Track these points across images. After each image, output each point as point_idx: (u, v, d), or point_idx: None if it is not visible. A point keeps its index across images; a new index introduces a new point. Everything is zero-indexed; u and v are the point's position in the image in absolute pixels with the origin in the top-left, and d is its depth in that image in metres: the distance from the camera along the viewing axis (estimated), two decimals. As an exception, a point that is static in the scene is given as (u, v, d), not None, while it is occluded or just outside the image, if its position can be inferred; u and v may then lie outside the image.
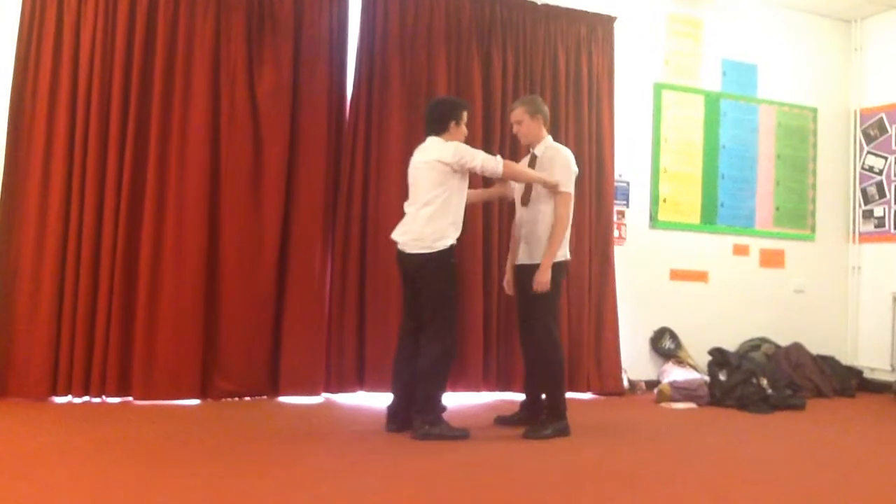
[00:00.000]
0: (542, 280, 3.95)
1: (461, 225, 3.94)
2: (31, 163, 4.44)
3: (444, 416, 3.87)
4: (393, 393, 4.00)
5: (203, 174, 4.68)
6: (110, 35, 4.58)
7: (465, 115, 4.04)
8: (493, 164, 3.91)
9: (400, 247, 3.93)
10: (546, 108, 4.26)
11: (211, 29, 4.75)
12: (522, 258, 4.15)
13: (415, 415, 3.79)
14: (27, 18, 4.49)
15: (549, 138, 4.23)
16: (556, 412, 4.01)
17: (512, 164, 4.08)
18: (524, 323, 4.17)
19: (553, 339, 4.03)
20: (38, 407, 4.22)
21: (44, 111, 4.45)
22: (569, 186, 4.06)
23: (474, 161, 3.87)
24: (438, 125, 3.96)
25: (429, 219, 3.82)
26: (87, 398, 4.44)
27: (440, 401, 3.85)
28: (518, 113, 4.20)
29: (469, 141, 5.11)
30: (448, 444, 3.67)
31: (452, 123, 3.97)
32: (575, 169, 4.12)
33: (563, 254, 4.08)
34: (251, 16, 4.85)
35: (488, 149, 5.26)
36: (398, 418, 3.92)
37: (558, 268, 4.04)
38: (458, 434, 3.80)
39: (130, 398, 4.49)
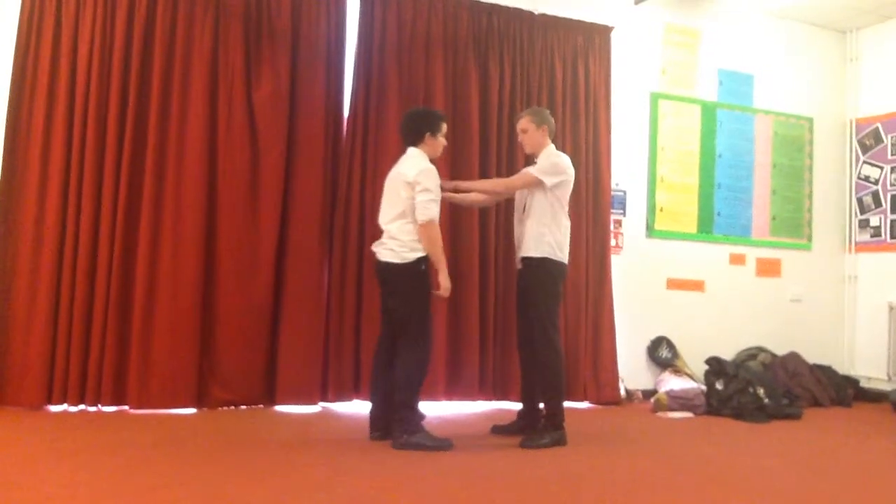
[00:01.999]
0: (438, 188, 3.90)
1: None
2: (27, 171, 4.43)
3: (429, 426, 3.84)
4: (371, 401, 4.00)
5: (200, 181, 4.68)
6: (108, 42, 4.59)
7: (442, 126, 4.02)
8: (424, 209, 3.76)
9: (377, 255, 3.94)
10: (552, 121, 4.29)
11: (209, 36, 4.75)
12: (518, 263, 4.19)
13: (394, 424, 3.77)
14: (25, 24, 4.49)
15: (552, 147, 4.25)
16: (554, 421, 4.01)
17: (435, 233, 3.82)
18: (524, 331, 4.18)
19: (554, 346, 4.03)
20: (33, 415, 4.20)
21: (40, 121, 4.45)
22: (547, 178, 4.03)
23: (419, 196, 3.78)
24: (414, 136, 3.96)
25: (399, 229, 3.83)
26: (82, 406, 4.42)
27: (417, 409, 3.82)
28: (524, 122, 4.23)
29: (465, 149, 5.20)
30: (445, 454, 3.65)
31: (428, 134, 3.95)
32: (565, 169, 4.10)
33: (562, 257, 4.08)
34: (249, 23, 4.86)
35: (485, 157, 5.30)
36: (379, 425, 3.91)
37: (557, 270, 4.06)
38: (439, 444, 3.73)
39: (126, 407, 4.47)
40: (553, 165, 4.09)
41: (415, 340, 3.80)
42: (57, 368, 4.37)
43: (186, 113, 4.68)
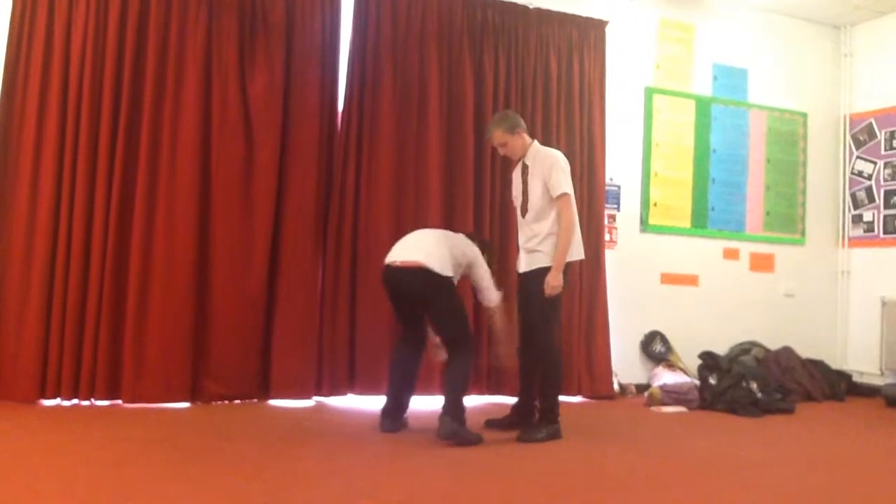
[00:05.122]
0: (554, 283, 3.95)
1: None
2: (20, 166, 4.40)
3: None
4: (388, 395, 4.08)
5: (194, 177, 4.66)
6: (101, 37, 4.55)
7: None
8: (491, 291, 4.09)
9: (400, 263, 3.93)
10: (520, 118, 4.21)
11: (203, 31, 4.73)
12: (522, 266, 4.16)
13: (444, 416, 3.79)
14: (17, 18, 4.46)
15: (536, 143, 4.21)
16: (550, 415, 4.03)
17: (498, 310, 4.17)
18: (525, 329, 4.17)
19: (553, 342, 4.06)
20: (26, 410, 4.18)
21: (33, 115, 4.42)
22: (567, 188, 4.02)
23: (485, 275, 4.08)
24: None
25: (439, 257, 3.92)
26: (75, 401, 4.40)
27: (464, 405, 3.92)
28: (498, 135, 4.13)
29: (460, 144, 5.21)
30: (439, 448, 3.67)
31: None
32: (568, 169, 4.08)
33: (578, 253, 4.09)
34: (243, 18, 4.83)
35: (480, 152, 5.29)
36: (390, 417, 4.03)
37: (568, 268, 4.05)
38: (475, 439, 3.81)
39: (119, 401, 4.45)
40: (563, 173, 4.04)
41: (465, 347, 3.96)
42: (50, 362, 4.35)
43: (180, 107, 4.66)
